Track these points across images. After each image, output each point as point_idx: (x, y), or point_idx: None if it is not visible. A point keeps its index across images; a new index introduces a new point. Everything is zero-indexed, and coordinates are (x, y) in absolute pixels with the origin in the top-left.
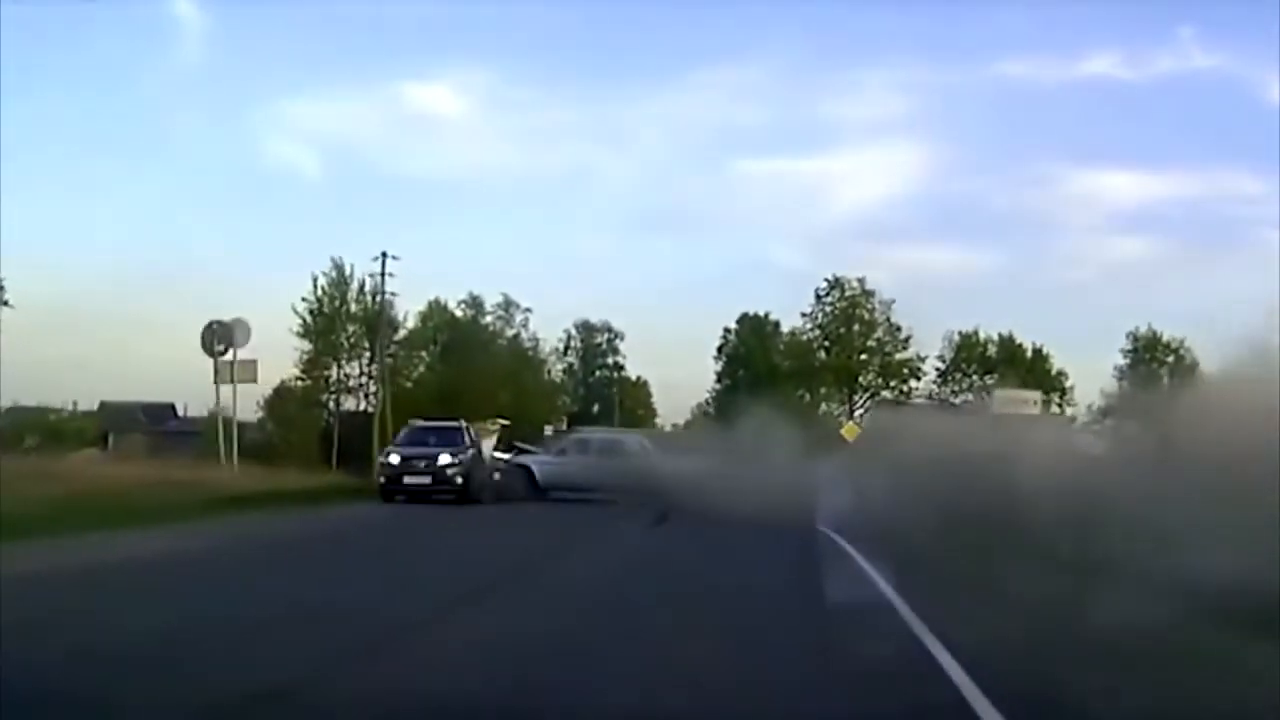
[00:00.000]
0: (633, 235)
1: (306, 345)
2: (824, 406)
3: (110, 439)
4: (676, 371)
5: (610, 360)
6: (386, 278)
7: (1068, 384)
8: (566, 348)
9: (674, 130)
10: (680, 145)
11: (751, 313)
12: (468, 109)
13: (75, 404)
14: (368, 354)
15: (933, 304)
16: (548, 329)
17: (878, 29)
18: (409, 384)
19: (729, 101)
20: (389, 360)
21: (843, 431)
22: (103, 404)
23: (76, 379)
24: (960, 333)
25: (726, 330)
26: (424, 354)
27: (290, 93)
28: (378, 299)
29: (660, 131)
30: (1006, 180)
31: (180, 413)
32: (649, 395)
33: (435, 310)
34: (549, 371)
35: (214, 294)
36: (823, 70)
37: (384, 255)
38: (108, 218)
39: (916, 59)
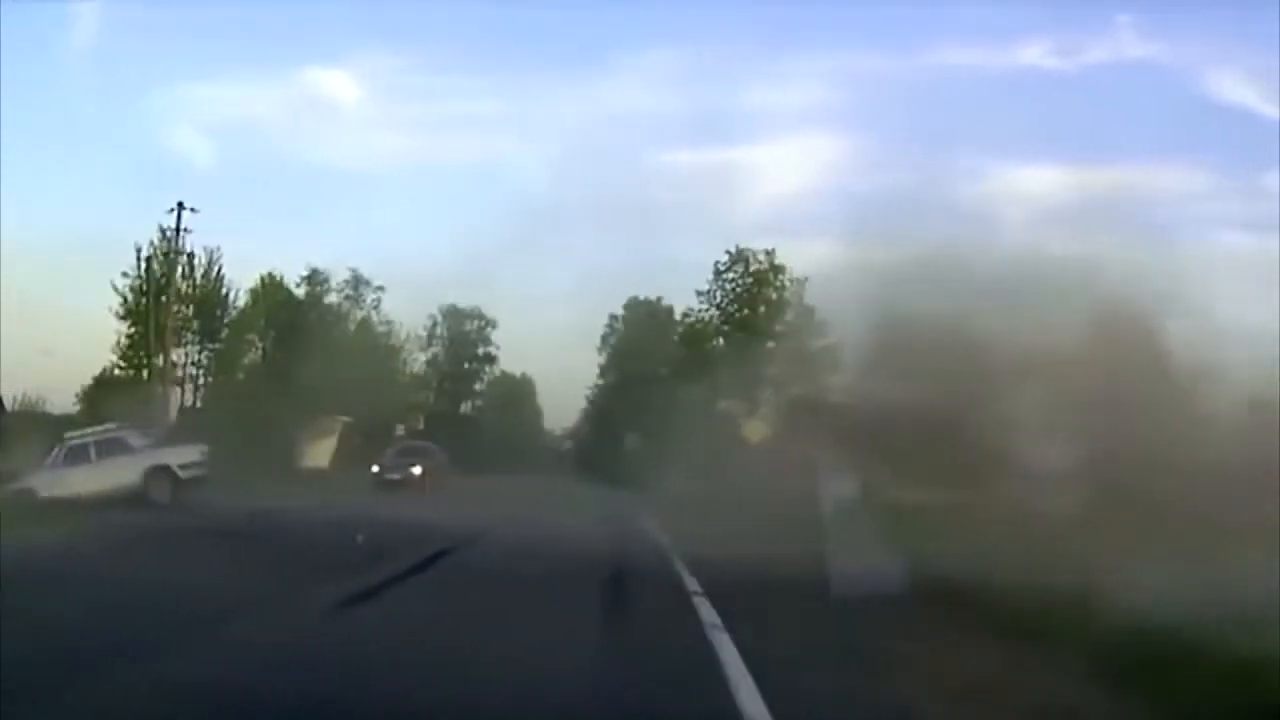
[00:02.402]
0: (528, 226)
1: (127, 328)
2: (723, 403)
3: None
4: (565, 368)
5: (480, 351)
6: (183, 234)
7: None
8: (431, 336)
9: (577, 120)
10: (584, 134)
11: (642, 297)
12: (366, 96)
13: None
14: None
15: (852, 298)
16: (413, 318)
17: (797, 15)
18: (240, 375)
19: (637, 91)
20: (218, 346)
21: (745, 431)
22: None
23: None
24: (888, 317)
25: (613, 317)
26: (256, 338)
27: (184, 77)
28: (213, 275)
29: (564, 121)
30: (931, 174)
31: (10, 406)
32: (533, 393)
33: (268, 287)
34: (405, 362)
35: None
36: (739, 57)
37: (179, 206)
38: None
39: (837, 46)
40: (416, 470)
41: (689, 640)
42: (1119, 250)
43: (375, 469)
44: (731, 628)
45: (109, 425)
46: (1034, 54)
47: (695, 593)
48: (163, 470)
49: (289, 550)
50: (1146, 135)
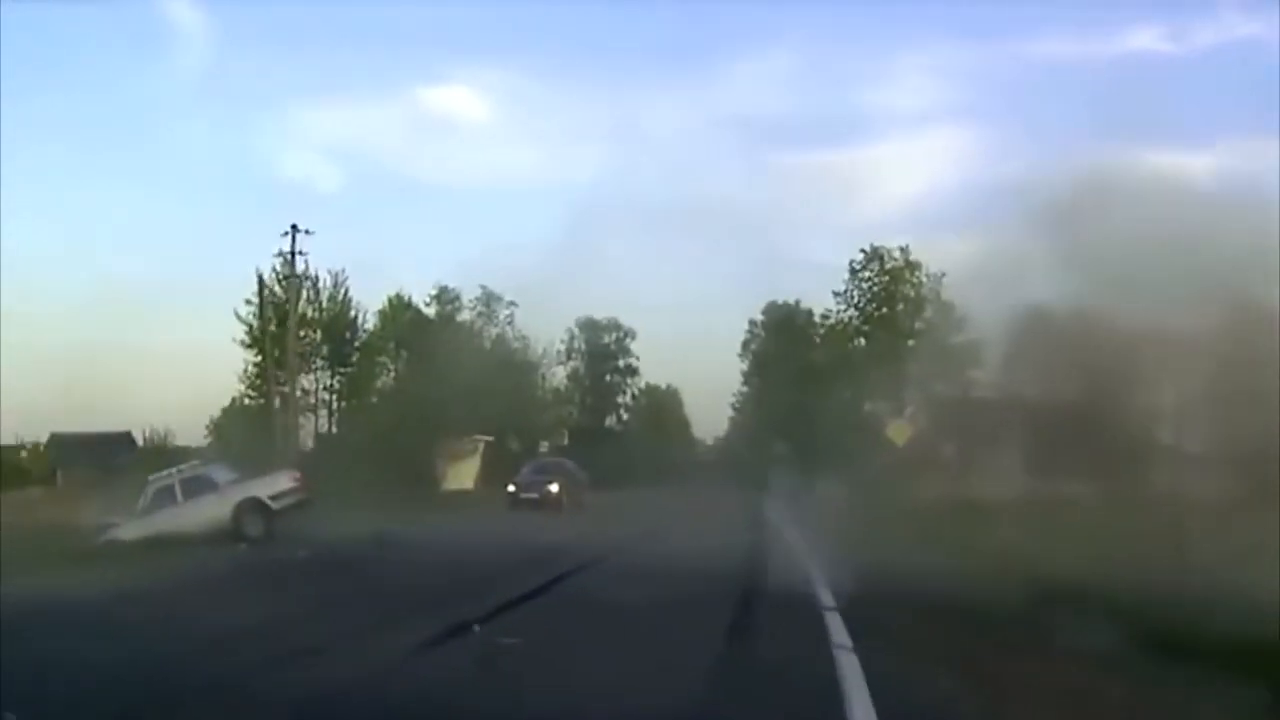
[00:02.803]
0: (658, 234)
1: (254, 356)
2: (868, 405)
3: (59, 475)
4: (711, 376)
5: (621, 363)
6: (300, 256)
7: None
8: (569, 351)
9: (699, 124)
10: (706, 140)
11: (780, 301)
12: (485, 111)
13: (17, 438)
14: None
15: (986, 292)
16: (549, 332)
17: (910, 10)
18: (373, 398)
19: (757, 92)
20: (350, 370)
21: (889, 433)
22: (53, 436)
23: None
24: (1026, 308)
25: (752, 323)
26: (387, 360)
27: (300, 99)
28: (339, 299)
29: (684, 126)
30: (1053, 164)
31: (140, 443)
32: (679, 404)
33: (396, 307)
34: (544, 378)
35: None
36: (855, 56)
37: (293, 229)
38: (104, 233)
39: (951, 40)
40: (553, 488)
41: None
42: (1246, 236)
43: (510, 488)
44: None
45: (193, 463)
46: (1145, 39)
47: (828, 607)
48: (253, 503)
49: (390, 578)
50: (1262, 114)
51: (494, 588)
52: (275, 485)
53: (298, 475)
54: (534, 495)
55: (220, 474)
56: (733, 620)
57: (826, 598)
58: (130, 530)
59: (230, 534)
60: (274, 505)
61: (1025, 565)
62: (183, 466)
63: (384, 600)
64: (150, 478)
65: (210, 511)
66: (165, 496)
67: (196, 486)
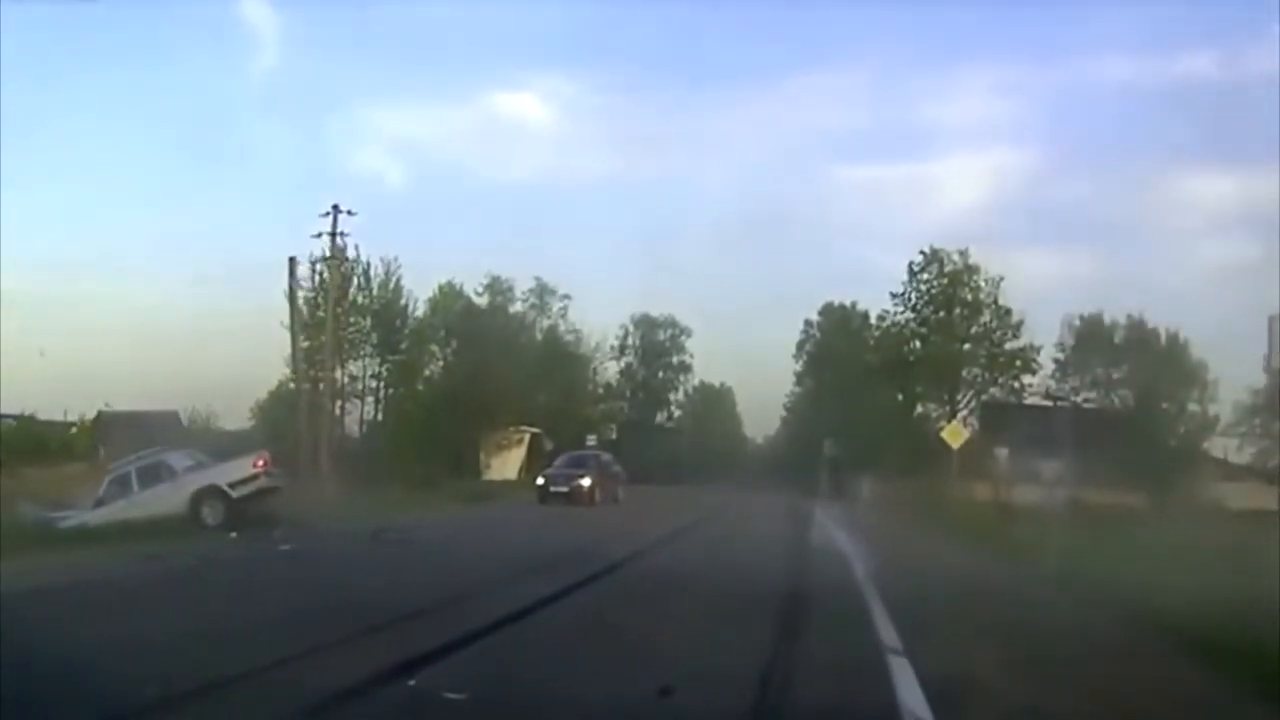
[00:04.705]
0: (717, 238)
1: (301, 340)
2: (920, 408)
3: (102, 452)
4: (765, 376)
5: (675, 360)
6: (339, 238)
7: (1209, 377)
8: (623, 346)
9: (765, 137)
10: (771, 152)
11: (837, 303)
12: (554, 117)
13: (66, 413)
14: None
15: (1041, 301)
16: (604, 327)
17: (974, 31)
18: (419, 386)
19: (823, 106)
20: (398, 358)
21: (944, 435)
22: (99, 412)
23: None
24: (1081, 316)
25: (808, 324)
26: (435, 349)
27: (371, 102)
28: (390, 287)
29: (751, 138)
30: (1108, 183)
31: (185, 422)
32: (732, 403)
33: (447, 295)
34: (595, 371)
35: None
36: (919, 73)
37: (335, 209)
38: (178, 226)
39: (1013, 60)
40: (584, 482)
41: None
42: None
43: (540, 480)
44: None
45: (155, 449)
46: (1200, 64)
47: (892, 649)
48: (211, 491)
49: (359, 586)
50: None
51: (472, 605)
52: (236, 472)
53: (264, 460)
54: (564, 489)
55: (179, 461)
56: (766, 661)
57: (889, 634)
58: (79, 521)
59: (189, 522)
60: (233, 493)
61: (1109, 587)
62: (143, 454)
63: (331, 618)
64: (111, 466)
65: (166, 501)
66: (122, 485)
67: (154, 475)
